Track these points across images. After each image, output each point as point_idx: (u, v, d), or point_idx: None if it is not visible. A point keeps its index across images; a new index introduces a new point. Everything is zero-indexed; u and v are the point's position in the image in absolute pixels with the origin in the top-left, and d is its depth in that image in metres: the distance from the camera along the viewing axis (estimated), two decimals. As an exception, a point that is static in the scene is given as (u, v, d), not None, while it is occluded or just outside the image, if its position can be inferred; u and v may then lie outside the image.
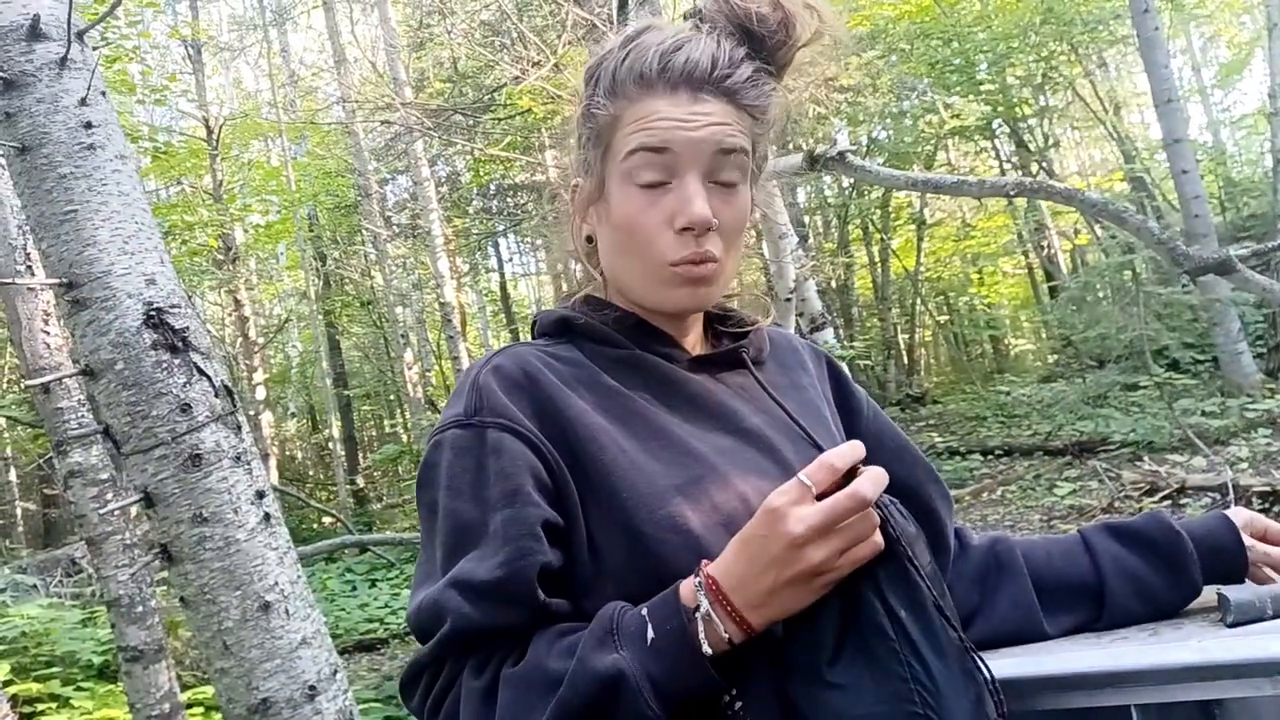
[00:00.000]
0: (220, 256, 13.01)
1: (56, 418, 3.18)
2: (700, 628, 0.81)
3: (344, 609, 9.27)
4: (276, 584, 2.33)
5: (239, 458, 2.35)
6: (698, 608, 0.82)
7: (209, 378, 2.34)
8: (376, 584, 10.63)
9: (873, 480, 0.82)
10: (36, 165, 2.18)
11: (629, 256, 1.02)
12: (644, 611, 0.84)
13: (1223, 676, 0.93)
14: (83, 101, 2.25)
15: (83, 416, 3.22)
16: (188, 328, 2.33)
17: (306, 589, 2.44)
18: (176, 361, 2.30)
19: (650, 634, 0.81)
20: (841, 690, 0.81)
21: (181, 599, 2.40)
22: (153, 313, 2.29)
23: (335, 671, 2.41)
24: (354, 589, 10.50)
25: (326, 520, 14.31)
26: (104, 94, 2.31)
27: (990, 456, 9.45)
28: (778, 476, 0.94)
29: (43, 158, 2.17)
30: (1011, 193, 3.11)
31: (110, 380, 2.25)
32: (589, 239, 1.10)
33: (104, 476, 3.27)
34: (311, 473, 20.85)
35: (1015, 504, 7.57)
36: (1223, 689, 0.94)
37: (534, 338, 1.11)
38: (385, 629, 8.65)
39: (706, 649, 0.81)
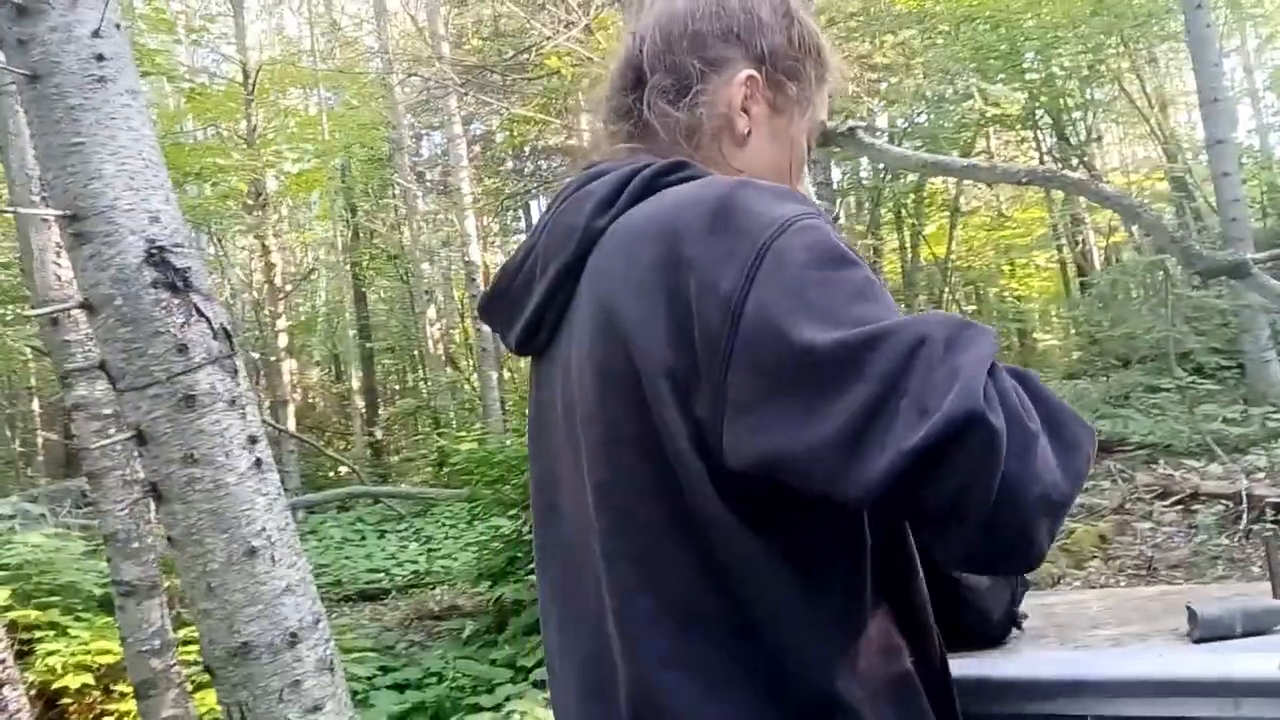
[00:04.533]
0: (250, 202, 13.04)
1: (63, 350, 3.20)
2: None
3: (350, 558, 9.36)
4: (264, 530, 2.33)
5: (234, 401, 2.34)
6: None
7: (208, 319, 2.33)
8: (385, 535, 10.72)
9: None
10: (46, 95, 2.16)
11: (777, 176, 1.07)
12: None
13: (1184, 693, 0.90)
14: (96, 33, 2.23)
15: (89, 350, 3.23)
16: (189, 268, 2.32)
17: (294, 536, 2.44)
18: (176, 301, 2.29)
19: None
20: None
21: (169, 538, 2.40)
22: (154, 250, 2.28)
23: (318, 620, 2.41)
24: (363, 539, 10.60)
25: (343, 470, 14.43)
26: (118, 27, 2.29)
27: (1007, 450, 9.34)
28: None
29: (52, 87, 2.16)
30: (1023, 180, 3.05)
31: (109, 315, 2.25)
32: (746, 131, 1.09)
33: (107, 411, 3.28)
34: (334, 421, 20.96)
35: (1026, 499, 7.49)
36: (1184, 706, 0.91)
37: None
38: (390, 580, 8.73)
39: None
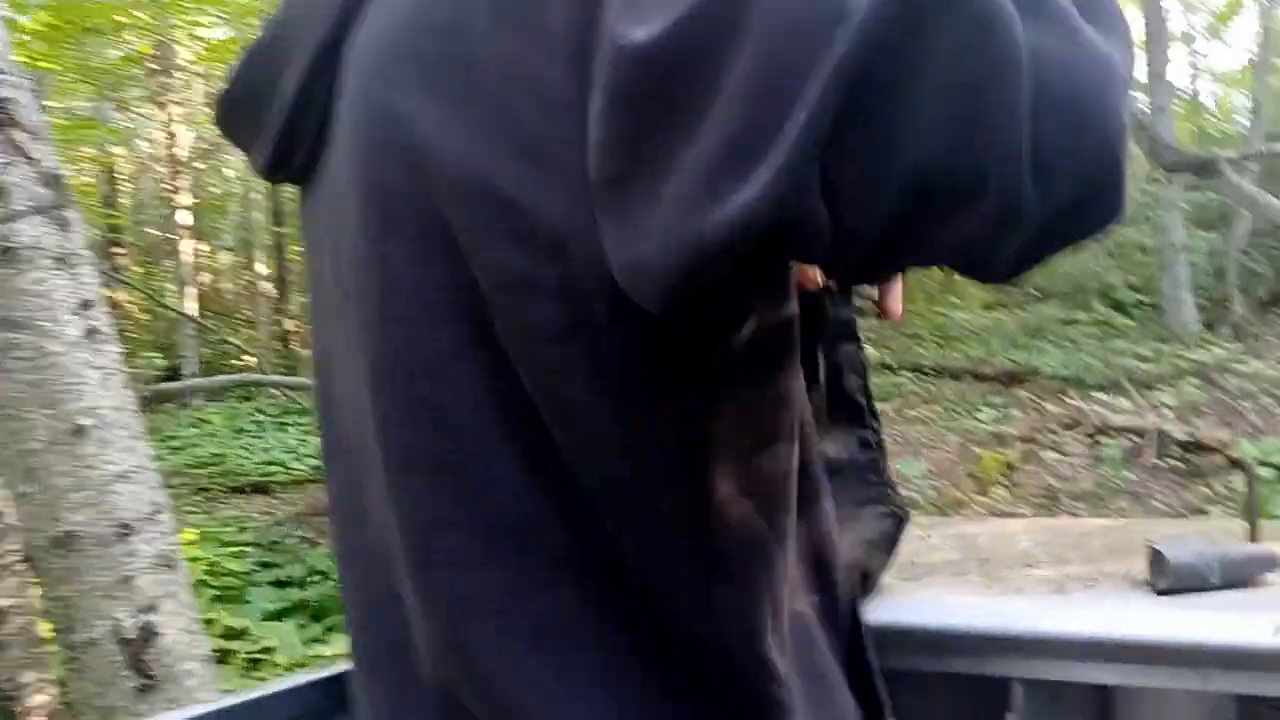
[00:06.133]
0: (154, 66, 12.22)
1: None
2: None
3: (246, 449, 9.03)
4: (95, 408, 2.05)
5: (64, 259, 2.04)
6: None
7: (33, 161, 2.01)
8: (286, 428, 10.37)
9: None
10: None
11: None
12: None
13: (1142, 659, 0.70)
14: None
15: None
16: (11, 98, 1.99)
17: (134, 419, 2.16)
18: (-6, 136, 1.96)
19: None
20: None
21: (-16, 411, 2.12)
22: (-34, 75, 1.94)
23: (158, 512, 2.15)
24: (262, 430, 10.24)
25: (251, 360, 13.92)
26: None
27: (921, 375, 9.37)
28: None
29: None
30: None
31: (-90, 149, 1.92)
32: None
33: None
34: (243, 307, 20.26)
35: (937, 424, 7.51)
36: (1138, 675, 0.71)
37: None
38: (287, 473, 8.43)
39: None
